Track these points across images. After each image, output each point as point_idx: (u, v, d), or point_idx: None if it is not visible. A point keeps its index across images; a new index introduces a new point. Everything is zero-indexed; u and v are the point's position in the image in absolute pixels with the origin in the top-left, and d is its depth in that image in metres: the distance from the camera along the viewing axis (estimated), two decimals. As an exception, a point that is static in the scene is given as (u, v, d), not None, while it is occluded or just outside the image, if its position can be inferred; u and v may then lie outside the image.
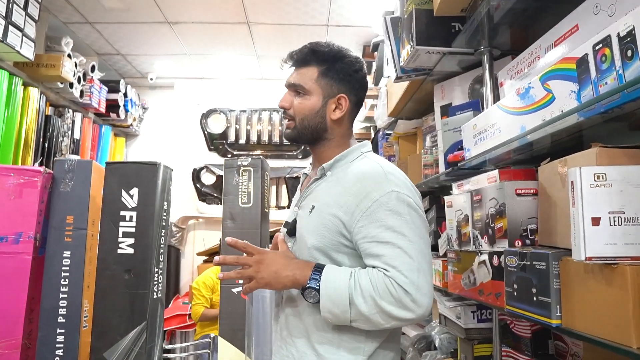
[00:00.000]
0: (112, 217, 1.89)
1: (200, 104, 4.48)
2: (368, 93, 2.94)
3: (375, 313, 0.94)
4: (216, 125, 4.49)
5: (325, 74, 1.13)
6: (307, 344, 1.06)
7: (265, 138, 4.50)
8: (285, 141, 4.50)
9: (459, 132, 1.76)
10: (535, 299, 1.02)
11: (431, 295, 0.95)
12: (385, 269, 0.95)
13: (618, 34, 0.81)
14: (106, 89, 3.83)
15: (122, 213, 1.89)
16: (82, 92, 3.45)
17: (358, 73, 1.18)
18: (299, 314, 1.09)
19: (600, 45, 0.86)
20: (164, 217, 1.99)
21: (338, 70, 1.13)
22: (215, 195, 4.28)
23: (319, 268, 1.00)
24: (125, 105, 4.01)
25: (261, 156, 2.12)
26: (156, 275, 1.91)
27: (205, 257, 4.19)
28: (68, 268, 1.88)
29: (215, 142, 4.46)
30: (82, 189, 1.92)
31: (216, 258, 1.12)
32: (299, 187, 1.35)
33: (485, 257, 1.30)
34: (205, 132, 4.46)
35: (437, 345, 1.86)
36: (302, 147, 4.56)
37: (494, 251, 1.25)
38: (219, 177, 4.31)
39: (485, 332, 1.59)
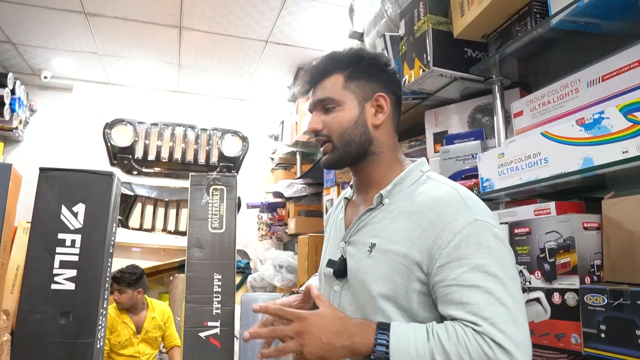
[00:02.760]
0: (45, 240, 1.44)
1: (104, 112, 3.90)
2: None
3: None
4: (122, 137, 3.94)
5: (353, 76, 0.96)
6: None
7: (177, 156, 4.07)
8: (200, 160, 4.13)
9: (462, 160, 1.70)
10: (641, 342, 0.94)
11: (530, 351, 0.78)
12: (475, 323, 0.75)
13: None
14: (-13, 82, 3.13)
15: (61, 236, 1.45)
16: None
17: (388, 67, 1.01)
18: None
19: None
20: (112, 244, 1.58)
21: (366, 68, 0.97)
22: (119, 217, 3.70)
23: (383, 329, 0.79)
24: (12, 104, 3.30)
25: (235, 173, 1.82)
26: (101, 318, 1.49)
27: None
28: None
29: (120, 157, 3.90)
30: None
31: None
32: (335, 212, 1.13)
33: (539, 294, 1.20)
34: (109, 145, 3.88)
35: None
36: (217, 170, 4.22)
37: (553, 288, 1.17)
38: (124, 197, 3.76)
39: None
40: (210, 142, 4.19)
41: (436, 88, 1.75)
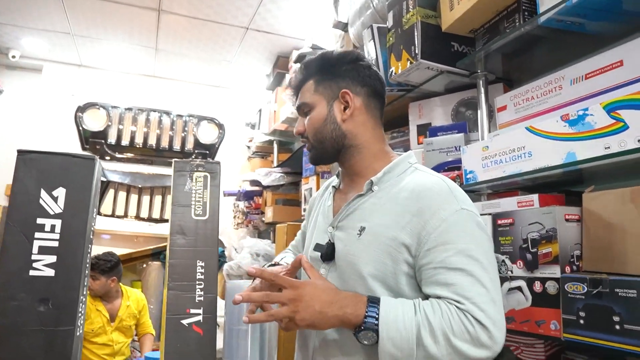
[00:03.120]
0: (23, 225, 1.39)
1: (76, 95, 3.77)
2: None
3: (447, 355, 0.79)
4: (94, 121, 3.82)
5: (321, 79, 1.05)
6: None
7: (152, 142, 3.99)
8: (175, 147, 4.07)
9: (445, 152, 1.74)
10: (618, 327, 0.99)
11: (505, 330, 0.83)
12: (458, 301, 0.81)
13: None
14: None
15: (40, 221, 1.41)
16: None
17: (356, 62, 1.07)
18: (340, 349, 0.92)
19: None
20: (92, 229, 1.55)
21: (331, 69, 1.05)
22: (91, 204, 3.61)
23: (374, 302, 0.84)
24: (-23, 84, 3.15)
25: (218, 160, 1.80)
26: (81, 305, 1.46)
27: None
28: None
29: (92, 141, 3.79)
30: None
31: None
32: (322, 200, 1.17)
33: (520, 282, 1.25)
34: (80, 129, 3.76)
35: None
36: (193, 157, 4.16)
37: (534, 277, 1.21)
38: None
39: None
40: (186, 128, 4.12)
41: (422, 80, 1.77)
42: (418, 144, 1.89)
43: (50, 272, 1.38)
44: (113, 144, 3.82)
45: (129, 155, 3.90)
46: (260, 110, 4.03)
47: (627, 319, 0.98)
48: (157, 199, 3.98)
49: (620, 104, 1.09)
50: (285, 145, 4.10)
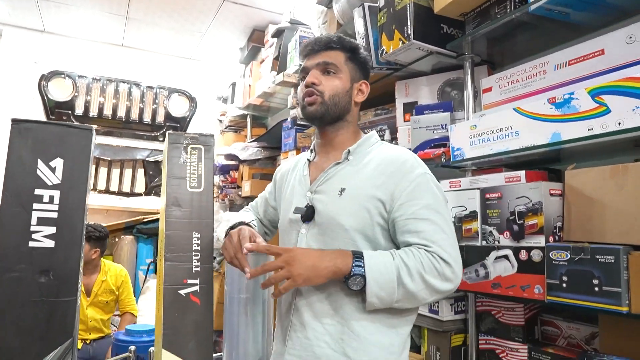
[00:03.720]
0: (20, 196, 1.37)
1: (39, 62, 3.60)
2: (287, 79, 2.79)
3: (422, 289, 0.96)
4: (60, 91, 3.67)
5: (351, 59, 1.18)
6: (341, 322, 1.04)
7: (121, 114, 3.88)
8: (145, 119, 3.97)
9: (432, 130, 1.82)
10: (597, 289, 1.12)
11: (462, 265, 1.02)
12: (427, 245, 0.98)
13: None
14: None
15: (38, 192, 1.39)
16: None
17: (371, 68, 1.28)
18: (326, 298, 1.06)
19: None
20: (87, 201, 1.54)
21: (359, 59, 1.20)
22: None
23: (357, 254, 0.98)
24: None
25: (212, 133, 1.80)
26: (80, 276, 1.47)
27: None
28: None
29: (58, 112, 3.64)
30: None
31: (247, 245, 1.09)
32: (296, 170, 1.28)
33: (507, 251, 1.36)
34: (45, 98, 3.60)
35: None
36: (164, 131, 4.08)
37: (520, 246, 1.33)
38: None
39: (459, 323, 1.68)
40: (157, 100, 4.02)
41: (410, 60, 1.83)
42: (404, 121, 1.97)
43: (50, 244, 1.38)
44: (80, 115, 3.69)
45: (98, 127, 3.79)
46: (233, 84, 3.98)
47: (605, 282, 1.11)
48: (128, 172, 3.90)
49: (604, 89, 1.20)
50: (258, 120, 4.09)
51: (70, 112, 3.66)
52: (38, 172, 1.39)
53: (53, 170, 1.40)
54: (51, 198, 1.39)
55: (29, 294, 1.34)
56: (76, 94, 3.69)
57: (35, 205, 1.38)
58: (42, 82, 3.60)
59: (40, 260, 1.36)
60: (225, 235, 1.34)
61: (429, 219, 1.01)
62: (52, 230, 1.38)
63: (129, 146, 3.91)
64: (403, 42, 1.70)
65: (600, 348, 1.29)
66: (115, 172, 3.79)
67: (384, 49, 1.81)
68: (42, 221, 1.38)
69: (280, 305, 1.23)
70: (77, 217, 1.43)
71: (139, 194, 3.93)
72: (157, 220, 3.63)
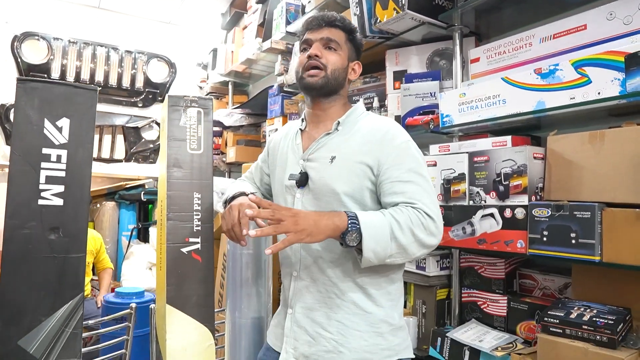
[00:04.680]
0: (28, 155, 1.39)
1: (11, 22, 3.46)
2: (274, 46, 2.81)
3: (412, 243, 1.04)
4: (34, 54, 3.56)
5: (349, 39, 1.26)
6: (350, 279, 1.13)
7: (99, 79, 3.80)
8: (124, 85, 3.91)
9: (421, 98, 1.92)
10: (574, 242, 1.26)
11: (442, 219, 1.11)
12: (412, 202, 1.07)
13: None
14: None
15: (46, 151, 1.42)
16: None
17: (363, 37, 1.37)
18: (327, 262, 1.15)
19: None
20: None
21: (356, 41, 1.28)
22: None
23: (351, 214, 1.05)
24: None
25: (210, 97, 1.84)
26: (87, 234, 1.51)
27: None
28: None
29: (32, 75, 3.53)
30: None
31: (248, 211, 1.09)
32: (289, 139, 1.34)
33: (493, 210, 1.48)
34: (19, 61, 3.48)
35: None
36: (143, 96, 4.03)
37: (505, 205, 1.45)
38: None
39: (443, 278, 1.81)
40: (135, 66, 3.95)
41: (402, 30, 1.90)
42: (394, 89, 2.05)
43: (59, 202, 1.42)
44: (57, 79, 3.59)
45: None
46: (214, 50, 3.95)
47: (582, 235, 1.25)
48: (107, 138, 3.85)
49: (586, 62, 1.31)
50: (240, 87, 4.09)
51: (45, 75, 3.56)
52: (45, 131, 1.41)
53: (60, 129, 1.43)
54: (59, 157, 1.42)
55: (40, 251, 1.38)
56: (52, 57, 3.59)
57: (44, 164, 1.40)
58: (15, 44, 3.47)
59: (50, 217, 1.40)
60: (225, 204, 1.36)
61: (412, 181, 1.09)
62: (60, 188, 1.42)
63: (108, 112, 3.85)
64: (397, 12, 1.76)
65: (572, 295, 1.44)
66: (95, 138, 3.74)
67: (377, 18, 1.86)
68: (50, 180, 1.41)
69: (283, 263, 1.29)
70: (84, 176, 1.47)
71: (119, 160, 3.90)
72: (140, 186, 3.64)
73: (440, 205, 1.66)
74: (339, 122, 1.22)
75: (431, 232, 1.05)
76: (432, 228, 1.05)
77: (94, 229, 3.53)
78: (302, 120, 1.33)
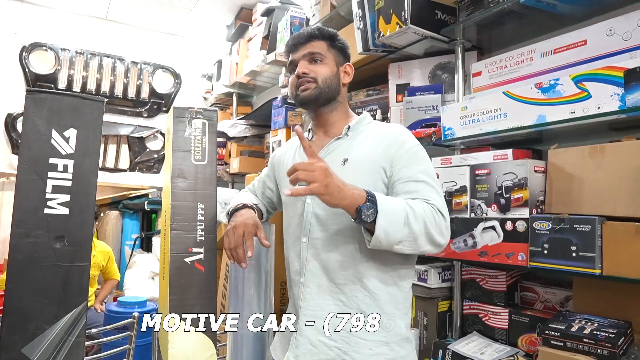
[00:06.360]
0: (36, 164, 1.42)
1: (20, 33, 3.52)
2: (279, 58, 2.85)
3: (423, 234, 1.05)
4: (42, 64, 3.60)
5: (332, 46, 1.28)
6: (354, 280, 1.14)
7: (105, 89, 3.84)
8: (129, 95, 3.96)
9: (423, 111, 1.94)
10: (575, 255, 1.26)
11: (449, 217, 1.13)
12: (427, 199, 1.09)
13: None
14: None
15: (53, 160, 1.44)
16: None
17: (349, 50, 1.35)
18: (335, 269, 1.15)
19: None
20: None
21: (339, 45, 1.30)
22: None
23: (371, 193, 1.04)
24: None
25: (215, 108, 1.86)
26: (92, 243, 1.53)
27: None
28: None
29: (40, 85, 3.58)
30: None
31: (286, 191, 1.03)
32: (295, 149, 1.37)
33: (494, 222, 1.49)
34: (26, 71, 3.53)
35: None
36: (148, 107, 4.07)
37: (506, 218, 1.46)
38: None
39: (445, 290, 1.82)
40: (141, 76, 4.00)
41: (405, 44, 1.93)
42: (397, 101, 2.07)
43: (65, 211, 1.43)
44: (64, 89, 3.63)
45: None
46: (219, 62, 3.99)
47: (582, 248, 1.25)
48: (112, 148, 3.89)
49: (586, 77, 1.33)
50: (244, 98, 4.13)
51: (52, 85, 3.61)
52: (52, 141, 1.43)
53: (67, 140, 1.45)
54: (65, 167, 1.44)
55: (45, 259, 1.40)
56: (59, 67, 3.64)
57: (50, 174, 1.43)
58: (23, 54, 3.52)
59: (56, 226, 1.42)
60: (228, 216, 1.38)
61: (425, 182, 1.12)
62: (66, 198, 1.44)
63: (113, 122, 3.89)
64: (400, 26, 1.79)
65: (573, 308, 1.44)
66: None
67: (380, 32, 1.89)
68: (57, 189, 1.43)
69: (290, 271, 1.30)
70: (90, 185, 1.49)
71: (123, 170, 3.93)
72: (143, 196, 3.66)
73: (442, 217, 1.67)
74: (349, 127, 1.24)
75: (441, 231, 1.07)
76: (443, 227, 1.07)
77: (97, 238, 3.55)
78: (309, 131, 1.35)
